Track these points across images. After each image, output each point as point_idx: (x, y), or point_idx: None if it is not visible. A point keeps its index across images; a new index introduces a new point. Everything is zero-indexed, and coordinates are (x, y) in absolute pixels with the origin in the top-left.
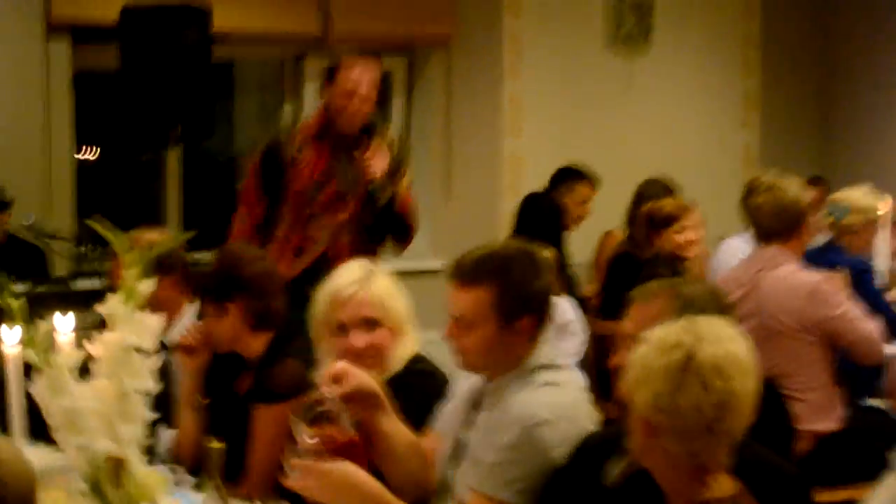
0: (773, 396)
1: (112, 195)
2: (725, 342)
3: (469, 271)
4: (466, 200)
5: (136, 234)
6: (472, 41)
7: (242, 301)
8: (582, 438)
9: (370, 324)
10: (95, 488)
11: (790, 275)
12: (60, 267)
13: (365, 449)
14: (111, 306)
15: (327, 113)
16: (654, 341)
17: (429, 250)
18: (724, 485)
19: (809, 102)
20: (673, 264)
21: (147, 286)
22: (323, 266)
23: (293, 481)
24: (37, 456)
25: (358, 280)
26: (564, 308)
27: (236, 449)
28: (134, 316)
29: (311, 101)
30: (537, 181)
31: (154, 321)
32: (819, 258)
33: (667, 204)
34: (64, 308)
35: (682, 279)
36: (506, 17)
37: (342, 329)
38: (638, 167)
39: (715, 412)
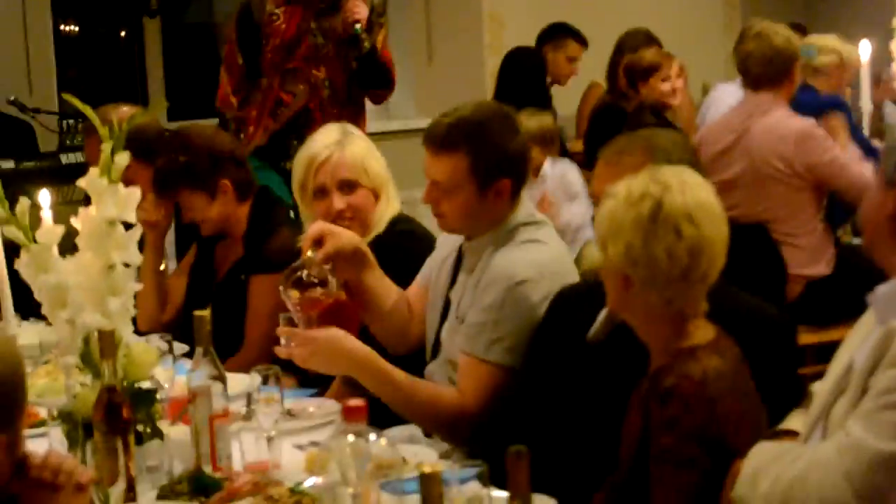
0: (764, 241)
1: (94, 69)
2: (693, 189)
3: (444, 137)
4: (448, 59)
5: (110, 108)
6: None
7: (230, 175)
8: (557, 292)
9: (349, 185)
10: (87, 362)
11: (781, 120)
12: (48, 142)
13: (354, 308)
14: (90, 181)
15: None
16: (621, 194)
17: (412, 110)
18: (704, 331)
19: None
20: (658, 112)
21: (123, 159)
22: (304, 120)
23: (282, 350)
24: (29, 332)
25: (335, 142)
26: (572, 179)
27: (226, 325)
28: (113, 189)
29: None
30: (518, 39)
31: (134, 194)
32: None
33: (648, 54)
34: (52, 183)
35: (651, 130)
36: None
37: (322, 192)
38: (619, 20)
39: (688, 258)
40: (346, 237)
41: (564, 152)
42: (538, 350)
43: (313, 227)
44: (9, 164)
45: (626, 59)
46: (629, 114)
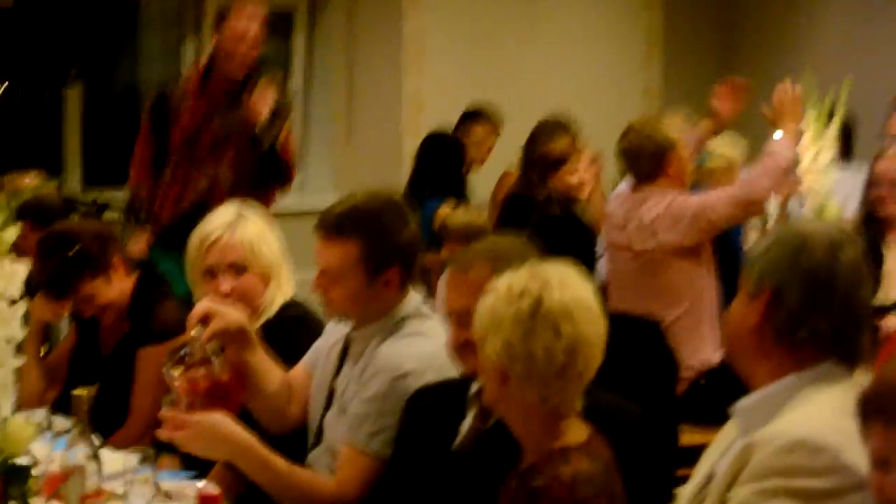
0: (655, 336)
1: (11, 133)
2: (572, 287)
3: (335, 224)
4: (368, 139)
5: (9, 178)
6: None
7: (117, 250)
8: (414, 392)
9: (237, 269)
10: None
11: (651, 208)
12: None
13: (237, 389)
14: None
15: (214, 58)
16: (501, 290)
17: (330, 188)
18: (577, 431)
19: (712, 39)
20: (566, 204)
21: (12, 234)
22: (202, 211)
23: (164, 432)
24: None
25: (226, 224)
26: None
27: (114, 401)
28: (0, 264)
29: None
30: (439, 120)
31: (21, 268)
32: None
33: (558, 145)
34: None
35: (495, 239)
36: None
37: (210, 273)
38: (541, 106)
39: (566, 357)
40: (231, 317)
41: None
42: (401, 452)
43: (199, 306)
44: None
45: (538, 148)
46: (537, 204)
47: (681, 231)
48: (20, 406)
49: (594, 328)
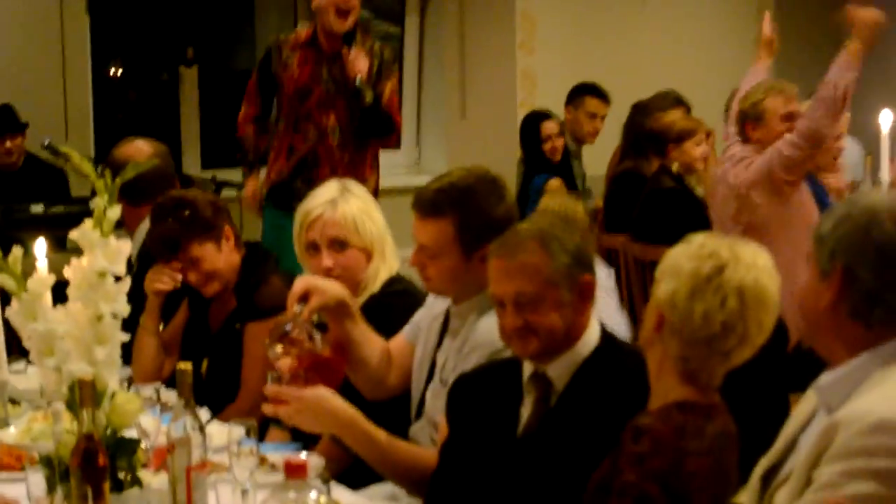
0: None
1: (134, 113)
2: (759, 271)
3: (430, 203)
4: (481, 117)
5: (121, 146)
6: None
7: (230, 222)
8: (457, 378)
9: (339, 244)
10: (72, 409)
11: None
12: (82, 187)
13: (338, 363)
14: (82, 233)
15: (315, 29)
16: (693, 244)
17: (444, 166)
18: (709, 395)
19: (824, 14)
20: (678, 178)
21: (116, 212)
22: (312, 165)
23: (269, 408)
24: (32, 377)
25: (329, 201)
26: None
27: (224, 376)
28: (105, 241)
29: None
30: (550, 98)
31: (124, 246)
32: None
33: (679, 119)
34: None
35: (539, 220)
36: None
37: (313, 247)
38: (652, 82)
39: (719, 329)
40: (330, 292)
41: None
42: (457, 438)
43: (298, 283)
44: (38, 209)
45: (650, 122)
46: (649, 178)
47: (759, 181)
48: (135, 380)
49: (760, 318)
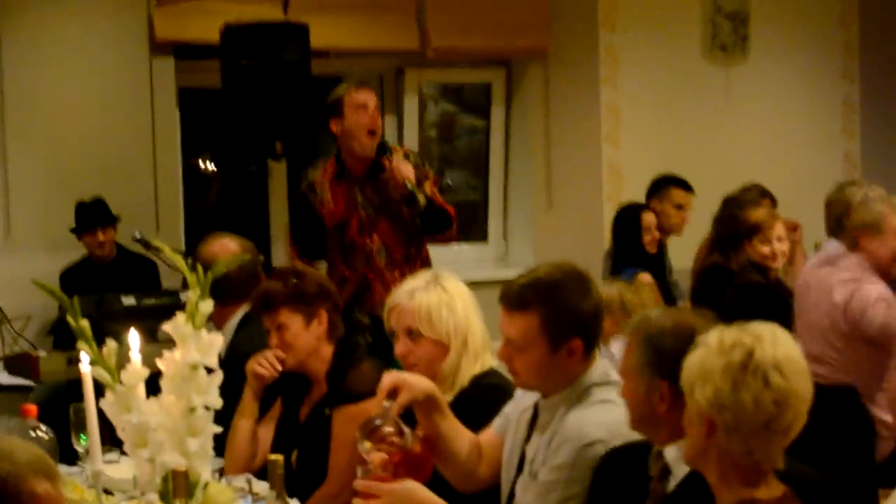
0: (853, 402)
1: (220, 207)
2: (782, 343)
3: (516, 296)
4: (567, 209)
5: (211, 240)
6: (569, 53)
7: (328, 309)
8: (605, 455)
9: (412, 334)
10: (165, 499)
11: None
12: (173, 280)
13: (427, 457)
14: (175, 325)
15: (341, 150)
16: (712, 343)
17: (531, 258)
18: (773, 487)
19: None
20: (765, 272)
21: (209, 306)
22: (365, 290)
23: (360, 502)
24: (125, 467)
25: (408, 291)
26: None
27: (307, 465)
28: (197, 334)
29: (410, 113)
30: (637, 189)
31: (216, 339)
32: None
33: (754, 213)
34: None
35: (648, 311)
36: (601, 30)
37: (392, 335)
38: (737, 175)
39: (774, 408)
40: (418, 386)
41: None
42: None
43: (386, 379)
44: (130, 301)
45: (732, 217)
46: (735, 273)
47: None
48: (227, 471)
49: (802, 385)
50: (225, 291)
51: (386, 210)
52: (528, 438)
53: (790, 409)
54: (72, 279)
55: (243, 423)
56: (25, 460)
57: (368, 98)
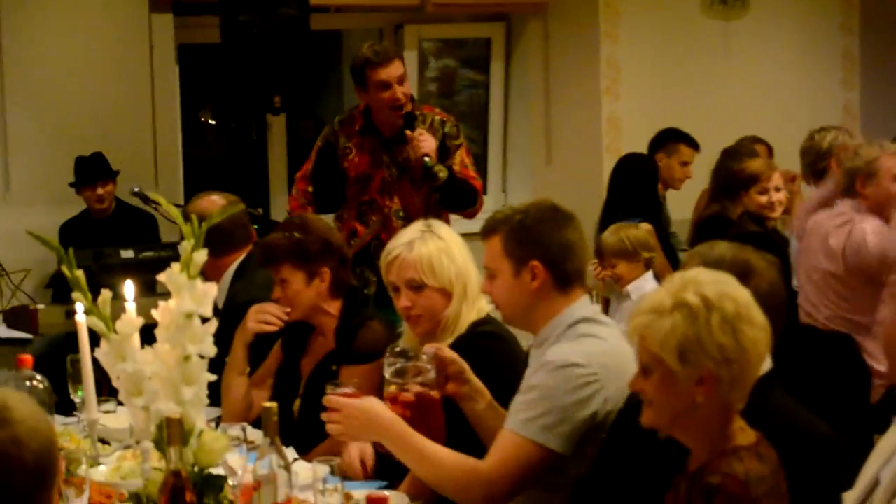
0: (850, 349)
1: (219, 161)
2: (734, 283)
3: (487, 223)
4: (567, 163)
5: (201, 197)
6: (569, 7)
7: (332, 266)
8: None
9: (415, 286)
10: (160, 447)
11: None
12: (172, 233)
13: (440, 408)
14: (170, 275)
15: (367, 113)
16: (693, 303)
17: None
18: (746, 433)
19: None
20: (761, 222)
21: (202, 256)
22: (377, 250)
23: (325, 415)
24: (122, 416)
25: (406, 242)
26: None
27: (310, 418)
28: (192, 283)
29: (411, 68)
30: (636, 143)
31: (210, 289)
32: None
33: (751, 164)
34: None
35: (711, 243)
36: None
37: (395, 289)
38: (736, 128)
39: (765, 346)
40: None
41: (671, 257)
42: (607, 445)
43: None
44: (128, 254)
45: (730, 168)
46: (734, 223)
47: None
48: (224, 420)
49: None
50: (218, 243)
51: (410, 173)
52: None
53: (768, 342)
54: (71, 233)
55: (236, 380)
56: None
57: (390, 73)
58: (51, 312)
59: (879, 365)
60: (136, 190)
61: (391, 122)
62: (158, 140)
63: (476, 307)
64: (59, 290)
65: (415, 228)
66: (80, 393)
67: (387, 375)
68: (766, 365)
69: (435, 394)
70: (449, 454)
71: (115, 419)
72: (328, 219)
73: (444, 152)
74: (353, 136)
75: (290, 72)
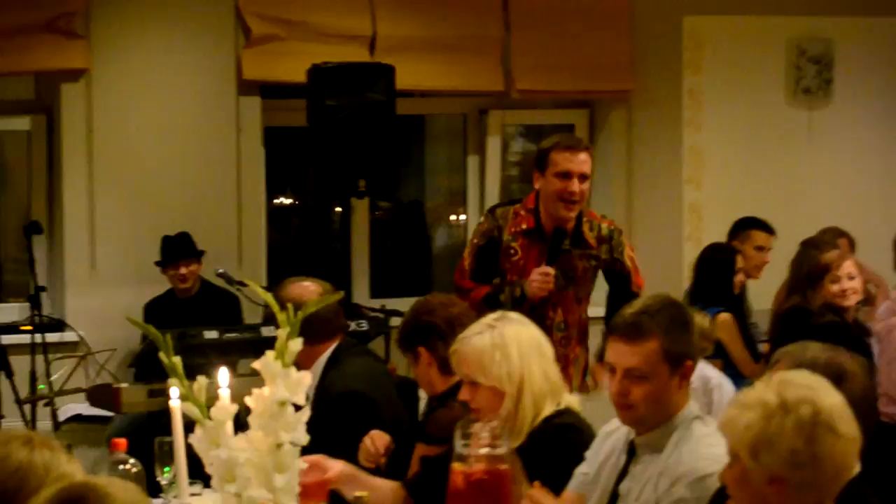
0: None
1: (305, 242)
2: (832, 390)
3: (634, 326)
4: (648, 250)
5: (292, 283)
6: (652, 96)
7: (431, 345)
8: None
9: (471, 382)
10: None
11: None
12: (254, 314)
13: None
14: (264, 363)
15: (537, 207)
16: (771, 402)
17: None
18: None
19: None
20: (839, 312)
21: (298, 345)
22: None
23: None
24: (208, 499)
25: (468, 335)
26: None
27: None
28: (286, 372)
29: (493, 153)
30: (717, 231)
31: (305, 377)
32: None
33: (826, 255)
34: (253, 354)
35: (804, 344)
36: (685, 72)
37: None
38: (819, 219)
39: (843, 457)
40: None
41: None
42: None
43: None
44: (212, 335)
45: (808, 259)
46: (813, 314)
47: None
48: None
49: (856, 427)
50: (313, 330)
51: (576, 284)
52: (621, 478)
53: (855, 454)
54: (156, 312)
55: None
56: None
57: (577, 162)
58: (134, 391)
59: None
60: (221, 271)
61: (556, 216)
62: (243, 221)
63: (542, 405)
64: (142, 368)
65: (484, 321)
66: (166, 474)
67: (457, 449)
68: (856, 468)
69: (504, 467)
70: None
71: (201, 501)
72: None
73: (613, 265)
74: (517, 235)
75: (375, 155)
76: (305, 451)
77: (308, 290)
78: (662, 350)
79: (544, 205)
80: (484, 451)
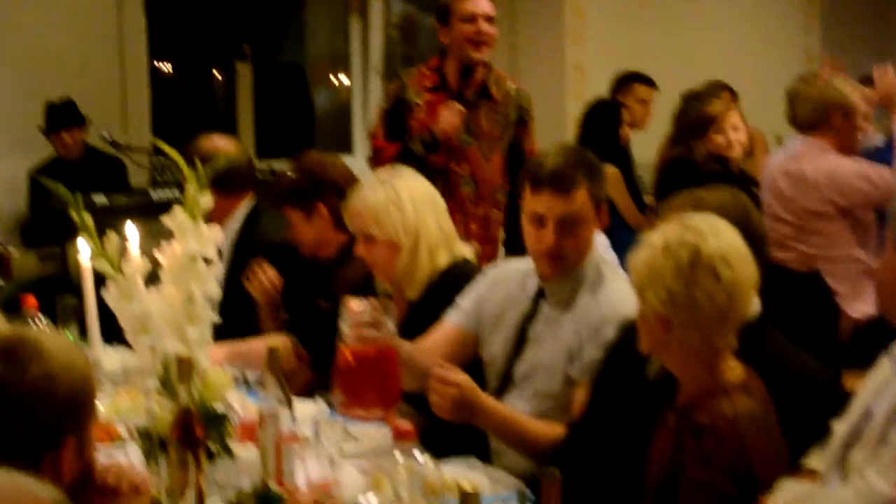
0: (819, 289)
1: (188, 107)
2: (724, 234)
3: (568, 177)
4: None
5: (203, 138)
6: None
7: (329, 201)
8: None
9: (365, 236)
10: (166, 385)
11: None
12: (140, 178)
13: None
14: (175, 218)
15: (441, 67)
16: (657, 244)
17: None
18: (735, 370)
19: (870, 4)
20: (723, 162)
21: (208, 200)
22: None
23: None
24: (113, 357)
25: (363, 192)
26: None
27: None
28: (196, 227)
29: (376, 15)
30: (600, 88)
31: (215, 232)
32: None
33: (710, 108)
34: (142, 218)
35: (701, 192)
36: None
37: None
38: (700, 73)
39: (727, 300)
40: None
41: (637, 200)
42: (605, 374)
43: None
44: (101, 200)
45: (691, 111)
46: (698, 164)
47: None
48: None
49: (749, 269)
50: (231, 183)
51: (478, 139)
52: (529, 319)
53: (741, 297)
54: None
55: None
56: None
57: (476, 5)
58: (25, 258)
59: (846, 303)
60: (106, 135)
61: (467, 60)
62: (127, 88)
63: (437, 257)
64: (30, 235)
65: (377, 177)
66: (68, 335)
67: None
68: (756, 306)
69: (391, 344)
70: (540, 426)
71: (107, 360)
72: None
73: (521, 126)
74: (422, 92)
75: (256, 19)
76: (224, 302)
77: (223, 144)
78: (590, 195)
79: (454, 56)
80: (367, 330)
